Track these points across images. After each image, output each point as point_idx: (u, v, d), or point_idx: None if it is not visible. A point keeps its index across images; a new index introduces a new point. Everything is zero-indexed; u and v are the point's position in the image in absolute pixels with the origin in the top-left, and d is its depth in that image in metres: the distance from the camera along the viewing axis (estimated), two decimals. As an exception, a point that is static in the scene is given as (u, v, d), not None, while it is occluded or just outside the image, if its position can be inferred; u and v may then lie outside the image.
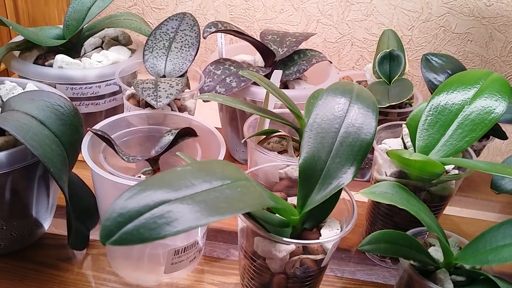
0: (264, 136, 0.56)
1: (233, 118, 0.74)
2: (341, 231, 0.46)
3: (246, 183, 0.36)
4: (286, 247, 0.43)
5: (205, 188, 0.33)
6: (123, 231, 0.29)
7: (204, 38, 0.68)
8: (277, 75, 0.58)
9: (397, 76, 0.73)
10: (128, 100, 0.66)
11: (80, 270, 0.56)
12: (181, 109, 0.68)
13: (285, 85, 0.76)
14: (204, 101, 0.68)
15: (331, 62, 0.78)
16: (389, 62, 0.74)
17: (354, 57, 0.94)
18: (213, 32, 0.68)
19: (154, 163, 0.56)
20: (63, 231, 0.61)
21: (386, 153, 0.53)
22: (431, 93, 0.74)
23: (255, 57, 0.79)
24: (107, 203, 0.52)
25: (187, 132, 0.56)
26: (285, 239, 0.41)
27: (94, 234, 0.60)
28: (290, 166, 0.53)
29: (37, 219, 0.56)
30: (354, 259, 0.62)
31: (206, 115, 0.71)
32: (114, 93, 0.72)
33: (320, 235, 0.46)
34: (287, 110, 0.63)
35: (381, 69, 0.73)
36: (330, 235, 0.45)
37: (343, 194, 0.48)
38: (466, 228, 0.70)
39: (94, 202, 0.58)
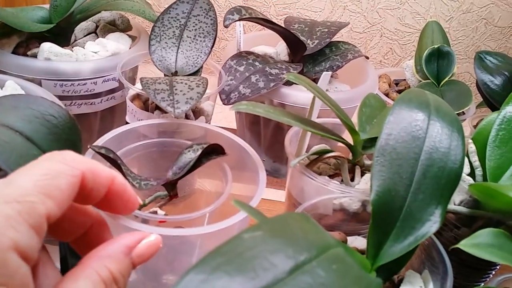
0: (316, 156, 0.44)
1: (255, 123, 0.62)
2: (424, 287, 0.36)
3: (338, 251, 0.26)
4: (365, 318, 0.32)
5: (289, 268, 0.22)
6: None
7: (226, 27, 0.56)
8: (325, 78, 0.46)
9: (447, 77, 0.62)
10: (132, 102, 0.54)
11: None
12: (196, 112, 0.56)
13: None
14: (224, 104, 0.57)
15: (367, 58, 0.67)
16: (437, 60, 0.64)
17: (383, 50, 0.83)
18: (236, 20, 0.56)
19: (171, 188, 0.44)
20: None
21: (469, 186, 0.42)
22: (484, 98, 0.64)
23: (277, 50, 0.67)
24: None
25: (214, 150, 0.44)
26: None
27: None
28: (348, 197, 0.42)
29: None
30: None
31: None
32: (113, 91, 0.59)
33: (399, 295, 0.35)
34: (329, 120, 0.52)
35: (428, 68, 0.63)
36: (413, 296, 0.35)
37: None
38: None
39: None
